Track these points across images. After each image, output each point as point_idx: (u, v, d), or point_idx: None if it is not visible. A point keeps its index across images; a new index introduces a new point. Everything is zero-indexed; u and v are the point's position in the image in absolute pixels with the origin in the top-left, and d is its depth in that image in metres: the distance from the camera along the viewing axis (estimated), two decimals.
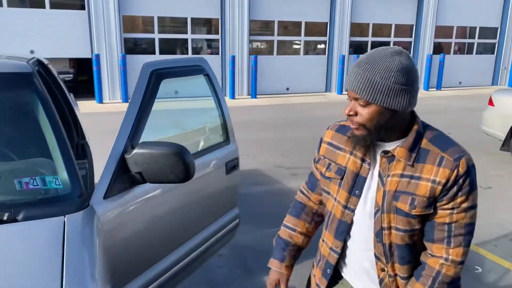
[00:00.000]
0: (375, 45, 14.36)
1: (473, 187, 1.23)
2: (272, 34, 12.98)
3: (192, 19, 11.96)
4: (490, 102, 6.52)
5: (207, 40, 12.80)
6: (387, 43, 14.51)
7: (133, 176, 1.64)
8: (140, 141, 1.72)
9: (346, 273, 1.46)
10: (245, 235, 3.82)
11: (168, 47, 12.13)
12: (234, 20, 12.12)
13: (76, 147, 2.32)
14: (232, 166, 2.43)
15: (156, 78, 1.89)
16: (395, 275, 1.33)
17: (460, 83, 15.51)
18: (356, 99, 1.23)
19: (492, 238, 3.85)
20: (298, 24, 13.19)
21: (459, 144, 1.28)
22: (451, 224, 1.24)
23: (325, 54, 13.68)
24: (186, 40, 12.07)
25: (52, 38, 10.66)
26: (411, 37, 14.71)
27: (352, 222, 1.36)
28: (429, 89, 14.47)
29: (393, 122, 1.24)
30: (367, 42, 14.12)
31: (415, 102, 1.25)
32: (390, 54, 1.22)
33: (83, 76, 12.88)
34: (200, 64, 2.33)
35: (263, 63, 12.69)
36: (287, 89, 13.28)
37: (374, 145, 1.31)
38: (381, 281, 1.36)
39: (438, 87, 14.56)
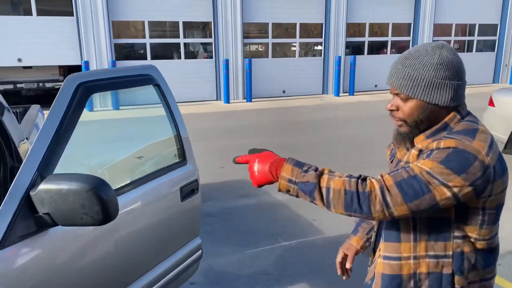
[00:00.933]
0: (372, 45, 14.05)
1: (446, 163, 1.14)
2: (267, 37, 12.68)
3: (184, 22, 11.69)
4: (491, 103, 6.19)
5: (202, 44, 12.53)
6: (384, 43, 14.19)
7: (41, 218, 1.34)
8: (55, 172, 1.41)
9: None
10: (223, 258, 3.51)
11: (160, 51, 11.87)
12: (227, 23, 11.84)
13: None
14: (189, 190, 2.12)
15: (83, 93, 1.59)
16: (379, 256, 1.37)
17: None
18: (397, 94, 1.27)
19: None
20: (293, 26, 12.89)
21: (474, 138, 1.19)
22: (403, 168, 1.20)
23: (321, 55, 13.37)
24: (179, 44, 11.79)
25: (40, 46, 10.42)
26: (409, 36, 14.38)
27: None
28: None
29: (434, 116, 1.25)
30: (364, 42, 13.81)
31: (460, 96, 1.25)
32: (431, 49, 1.24)
33: None
34: (148, 74, 2.04)
35: (258, 66, 12.40)
36: (284, 92, 12.98)
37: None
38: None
39: None
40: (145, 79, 2.01)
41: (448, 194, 1.14)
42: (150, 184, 1.91)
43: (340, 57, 12.89)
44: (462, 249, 1.26)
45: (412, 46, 14.34)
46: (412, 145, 1.32)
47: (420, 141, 1.28)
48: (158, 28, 11.89)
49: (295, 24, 12.84)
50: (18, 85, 10.65)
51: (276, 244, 3.72)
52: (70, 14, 10.57)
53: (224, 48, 11.96)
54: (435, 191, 1.14)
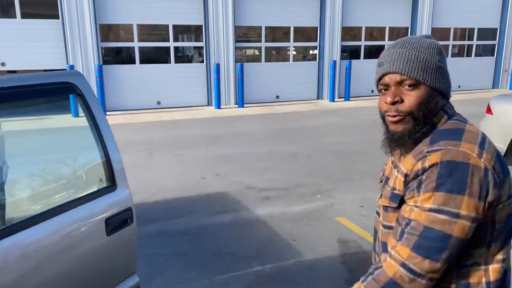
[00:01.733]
0: (368, 49, 13.72)
1: (442, 186, 1.00)
2: (260, 41, 12.36)
3: (174, 26, 11.37)
4: (488, 110, 5.84)
5: (194, 48, 12.20)
6: (381, 47, 13.86)
7: None
8: None
9: None
10: (187, 284, 3.14)
11: (150, 55, 11.54)
12: (218, 26, 11.51)
13: None
14: (120, 221, 1.76)
15: None
16: None
17: (459, 86, 14.80)
18: (400, 83, 1.11)
19: None
20: (287, 29, 12.57)
21: (461, 140, 1.05)
22: (410, 221, 1.05)
23: (315, 60, 13.04)
24: (169, 48, 11.46)
25: (25, 49, 10.10)
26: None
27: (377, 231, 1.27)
28: None
29: (438, 108, 1.13)
30: (359, 46, 13.48)
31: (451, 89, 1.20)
32: (423, 36, 1.17)
33: None
34: (68, 81, 1.68)
35: (251, 71, 12.07)
36: (277, 97, 12.64)
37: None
38: None
39: None
40: (64, 87, 1.66)
41: (468, 224, 1.00)
42: (61, 217, 1.54)
43: (335, 62, 12.56)
44: (468, 280, 1.06)
45: None
46: (404, 152, 1.18)
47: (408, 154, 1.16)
48: (148, 31, 11.57)
49: (289, 27, 12.52)
50: None
51: (249, 269, 3.35)
52: (56, 17, 10.25)
53: (215, 52, 11.63)
54: (454, 230, 1.00)
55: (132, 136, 8.22)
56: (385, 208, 1.17)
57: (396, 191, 1.13)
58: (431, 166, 1.01)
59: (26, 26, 10.10)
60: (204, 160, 6.49)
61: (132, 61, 11.23)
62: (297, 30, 12.64)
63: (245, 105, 11.74)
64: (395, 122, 1.13)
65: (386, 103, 1.12)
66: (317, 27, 12.77)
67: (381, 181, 1.34)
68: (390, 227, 1.16)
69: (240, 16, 11.78)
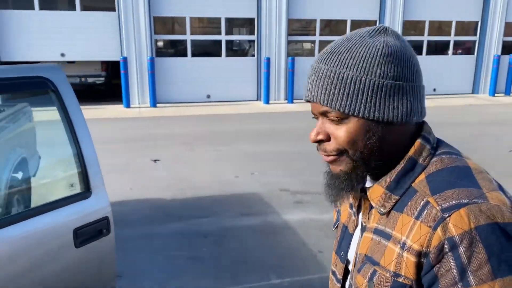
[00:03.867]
0: (433, 45, 12.78)
1: (502, 266, 0.66)
2: (314, 34, 11.93)
3: (227, 19, 11.26)
4: None
5: (247, 41, 12.05)
6: (446, 43, 12.85)
7: None
8: None
9: None
10: None
11: (201, 49, 11.54)
12: (271, 19, 11.24)
13: None
14: (93, 232, 1.58)
15: None
16: None
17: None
18: (324, 114, 0.80)
19: None
20: (343, 22, 12.02)
21: (481, 187, 0.72)
22: None
23: None
24: (220, 41, 11.38)
25: (83, 41, 10.46)
26: (475, 35, 12.93)
27: None
28: (496, 95, 12.63)
29: (389, 143, 0.79)
30: (422, 41, 12.58)
31: (420, 107, 0.80)
32: (368, 35, 0.79)
33: (118, 80, 12.66)
34: (42, 76, 1.52)
35: (303, 65, 11.68)
36: None
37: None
38: None
39: (507, 92, 12.66)
40: (35, 82, 1.50)
41: None
42: (18, 227, 1.39)
43: None
44: None
45: (478, 46, 12.89)
46: (359, 202, 0.87)
47: (376, 195, 0.81)
48: (200, 24, 11.57)
49: (345, 21, 11.96)
50: None
51: (265, 281, 3.10)
52: (112, 9, 10.52)
53: (267, 45, 11.38)
54: None
55: (177, 129, 8.22)
56: None
57: (401, 279, 0.75)
58: (462, 236, 0.68)
59: (85, 18, 10.45)
60: (242, 157, 6.29)
61: (184, 54, 11.28)
62: (354, 23, 12.05)
63: (294, 101, 11.40)
64: (330, 162, 0.83)
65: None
66: (376, 21, 12.10)
67: (336, 227, 1.02)
68: None
69: (294, 9, 11.43)
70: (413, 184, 0.78)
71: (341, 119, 0.78)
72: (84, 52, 10.57)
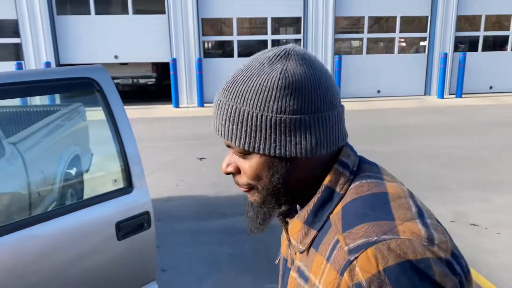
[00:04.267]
0: (492, 40, 12.11)
1: None
2: (362, 32, 11.68)
3: (273, 18, 11.30)
4: None
5: (290, 40, 12.02)
6: (504, 38, 12.12)
7: None
8: None
9: None
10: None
11: (247, 49, 11.65)
12: (317, 17, 11.14)
13: None
14: (134, 225, 1.65)
15: None
16: None
17: (378, 91, 11.76)
18: (229, 146, 0.76)
19: None
20: (393, 19, 11.67)
21: (394, 218, 0.66)
22: None
23: (424, 52, 11.92)
24: (266, 41, 11.44)
25: (135, 43, 10.88)
26: None
27: None
28: None
29: (296, 177, 0.74)
30: (477, 37, 11.95)
31: (331, 137, 0.73)
32: (268, 62, 0.71)
33: (168, 80, 13.06)
34: (88, 77, 1.61)
35: (351, 64, 11.47)
36: (378, 91, 11.85)
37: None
38: None
39: None
40: (82, 83, 1.59)
41: None
42: (64, 219, 1.48)
43: (446, 54, 11.33)
44: None
45: None
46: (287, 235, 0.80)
47: (294, 230, 0.75)
48: (246, 24, 11.68)
49: (395, 17, 11.61)
50: (115, 81, 11.29)
51: None
52: (162, 12, 10.86)
53: (313, 44, 11.29)
54: None
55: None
56: None
57: None
58: (371, 281, 0.61)
59: (136, 21, 10.88)
60: None
61: (231, 55, 11.44)
62: (404, 20, 11.67)
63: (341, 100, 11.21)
64: (246, 192, 0.80)
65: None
66: (427, 16, 11.65)
67: (278, 261, 0.94)
68: None
69: (341, 6, 11.25)
70: (330, 216, 0.72)
71: (245, 154, 0.74)
72: (136, 54, 11.00)
